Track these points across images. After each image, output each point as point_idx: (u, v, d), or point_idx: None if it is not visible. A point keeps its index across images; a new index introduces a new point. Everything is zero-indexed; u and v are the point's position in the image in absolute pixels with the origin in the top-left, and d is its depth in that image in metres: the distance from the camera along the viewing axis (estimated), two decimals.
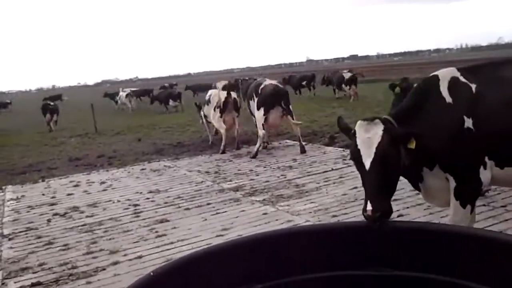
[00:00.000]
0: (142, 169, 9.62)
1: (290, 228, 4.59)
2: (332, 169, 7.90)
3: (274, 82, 10.01)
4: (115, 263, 4.82)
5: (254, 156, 9.54)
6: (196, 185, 7.79)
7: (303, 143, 9.77)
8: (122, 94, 30.09)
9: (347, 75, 23.48)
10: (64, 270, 4.76)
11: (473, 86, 3.34)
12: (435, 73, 3.55)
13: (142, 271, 4.46)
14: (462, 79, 3.40)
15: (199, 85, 40.32)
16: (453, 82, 3.39)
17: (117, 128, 18.19)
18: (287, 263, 2.70)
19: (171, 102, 25.24)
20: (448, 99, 3.34)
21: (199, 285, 2.45)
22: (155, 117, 22.40)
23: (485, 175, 3.31)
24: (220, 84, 21.05)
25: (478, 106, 3.27)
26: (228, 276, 2.59)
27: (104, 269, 4.70)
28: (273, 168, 8.49)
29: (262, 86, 9.62)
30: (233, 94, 10.93)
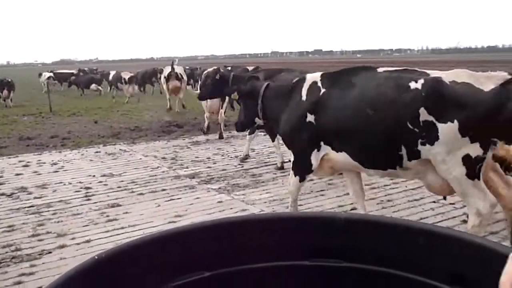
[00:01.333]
0: (97, 152, 9.37)
1: (241, 216, 4.55)
2: (290, 161, 7.90)
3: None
4: (62, 246, 4.66)
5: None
6: (151, 171, 7.65)
7: (262, 133, 9.74)
8: (44, 75, 29.27)
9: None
10: (7, 252, 4.57)
11: (322, 90, 4.32)
12: (307, 75, 4.64)
13: (89, 255, 4.26)
14: (318, 83, 4.39)
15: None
16: (312, 85, 4.43)
17: (73, 109, 17.65)
18: (236, 252, 2.67)
19: (93, 86, 25.53)
20: (304, 97, 4.43)
21: (146, 271, 2.39)
22: (109, 100, 21.88)
23: (316, 156, 4.43)
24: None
25: (320, 106, 4.27)
26: (176, 263, 2.54)
27: (50, 252, 4.54)
28: (231, 157, 8.44)
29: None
30: (177, 69, 15.00)
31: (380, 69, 4.17)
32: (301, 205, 5.69)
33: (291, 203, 4.98)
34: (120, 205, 5.90)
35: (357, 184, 4.70)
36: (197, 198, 6.12)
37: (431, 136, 3.65)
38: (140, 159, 8.59)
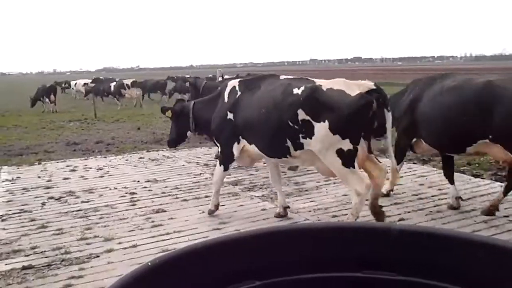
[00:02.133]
0: (140, 158, 9.52)
1: (293, 225, 4.50)
2: None
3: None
4: (109, 250, 4.72)
5: None
6: (194, 177, 7.70)
7: None
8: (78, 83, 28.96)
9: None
10: (57, 255, 4.66)
11: (239, 93, 5.32)
12: (230, 81, 5.65)
13: (136, 260, 4.39)
14: (236, 87, 5.38)
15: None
16: (232, 89, 5.41)
17: (116, 116, 18.07)
18: (287, 261, 2.62)
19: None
20: (226, 99, 5.43)
21: (198, 278, 2.37)
22: (154, 106, 22.27)
23: (237, 147, 5.37)
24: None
25: (236, 106, 5.27)
26: (227, 271, 2.51)
27: (97, 256, 4.61)
28: None
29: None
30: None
31: (281, 77, 5.23)
32: (347, 214, 5.57)
33: (214, 194, 5.71)
34: (165, 211, 5.94)
35: (275, 170, 5.70)
36: (241, 205, 6.10)
37: (309, 132, 4.63)
38: (183, 165, 8.66)
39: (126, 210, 6.07)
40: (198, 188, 7.01)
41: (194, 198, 6.48)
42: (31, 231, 5.38)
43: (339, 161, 4.54)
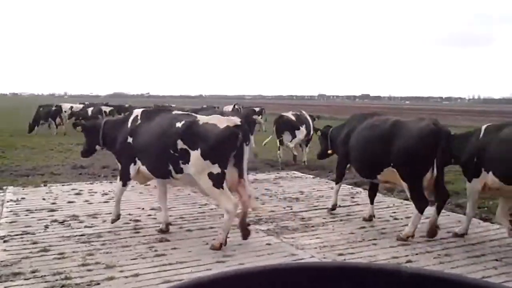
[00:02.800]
0: (146, 185, 9.46)
1: (297, 263, 4.40)
2: (340, 206, 7.72)
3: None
4: (111, 278, 4.63)
5: None
6: (199, 207, 7.63)
7: (311, 176, 9.61)
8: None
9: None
10: (57, 280, 4.58)
11: (139, 121, 6.14)
12: (135, 110, 6.54)
13: None
14: (138, 116, 6.19)
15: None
16: (135, 117, 6.23)
17: None
18: None
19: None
20: (129, 125, 6.20)
21: None
22: None
23: (133, 168, 6.16)
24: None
25: (135, 131, 6.09)
26: None
27: (98, 284, 4.52)
28: (279, 199, 8.32)
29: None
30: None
31: (174, 112, 6.32)
32: (353, 253, 5.49)
33: (115, 204, 6.48)
34: (169, 240, 5.86)
35: (162, 189, 6.41)
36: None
37: (186, 158, 5.54)
38: (189, 194, 8.61)
39: (130, 237, 6.00)
40: (203, 218, 6.94)
41: (199, 228, 6.41)
42: (32, 254, 5.31)
43: (210, 183, 5.45)
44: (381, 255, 5.44)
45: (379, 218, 7.04)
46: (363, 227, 6.50)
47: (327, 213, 7.26)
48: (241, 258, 5.23)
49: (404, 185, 6.08)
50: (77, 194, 8.49)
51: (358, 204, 7.94)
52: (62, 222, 6.62)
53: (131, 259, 5.19)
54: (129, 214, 7.07)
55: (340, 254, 5.43)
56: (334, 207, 7.32)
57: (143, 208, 7.48)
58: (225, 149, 5.46)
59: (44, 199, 8.02)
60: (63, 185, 9.33)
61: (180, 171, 5.68)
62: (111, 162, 12.55)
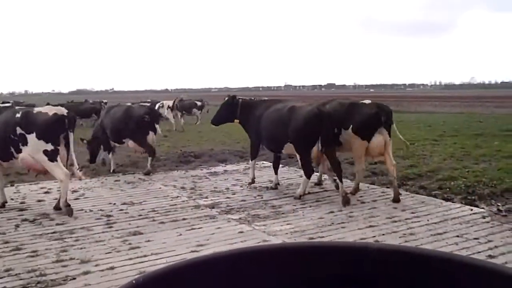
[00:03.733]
0: (116, 181, 9.47)
1: (269, 244, 4.56)
2: (309, 193, 7.93)
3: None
4: (86, 272, 4.68)
5: None
6: (171, 200, 7.70)
7: (280, 165, 9.77)
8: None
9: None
10: (32, 277, 4.60)
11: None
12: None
13: (114, 283, 4.36)
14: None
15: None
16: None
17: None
18: (266, 281, 2.67)
19: None
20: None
21: None
22: None
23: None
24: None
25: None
26: None
27: (74, 278, 4.56)
28: (250, 188, 8.46)
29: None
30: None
31: (16, 107, 7.66)
32: (323, 237, 5.68)
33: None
34: (142, 233, 5.93)
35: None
36: (218, 228, 6.13)
37: (25, 141, 6.74)
38: (160, 188, 8.65)
39: (103, 232, 6.03)
40: (175, 210, 7.01)
41: (172, 220, 6.48)
42: (5, 254, 5.29)
43: (46, 158, 6.70)
44: (350, 237, 5.65)
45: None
46: (332, 212, 6.71)
47: (296, 200, 7.44)
48: (215, 246, 5.35)
49: (298, 156, 7.58)
50: (46, 192, 8.43)
51: (326, 190, 8.16)
52: (32, 221, 6.58)
53: (106, 253, 5.24)
54: (101, 210, 7.09)
55: (311, 238, 5.61)
56: (253, 181, 8.50)
57: (114, 203, 7.49)
58: (54, 131, 6.82)
59: (12, 199, 7.91)
60: (30, 184, 9.22)
61: (20, 151, 6.82)
62: (78, 160, 12.44)
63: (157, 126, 10.49)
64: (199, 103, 26.30)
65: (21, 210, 7.22)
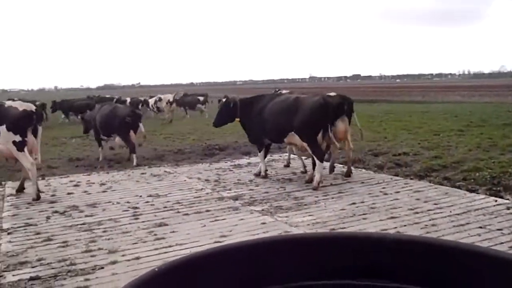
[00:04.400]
0: (142, 174, 9.68)
1: (287, 235, 4.65)
2: (331, 184, 7.98)
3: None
4: (114, 262, 4.86)
5: None
6: (195, 192, 7.86)
7: (303, 157, 9.84)
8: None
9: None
10: (62, 266, 4.80)
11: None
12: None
13: (140, 272, 4.47)
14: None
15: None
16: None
17: None
18: (283, 270, 2.76)
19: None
20: None
21: (204, 285, 2.51)
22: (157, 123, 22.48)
23: None
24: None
25: None
26: (228, 278, 2.65)
27: (102, 268, 4.74)
28: (273, 180, 8.56)
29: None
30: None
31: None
32: (344, 228, 5.73)
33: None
34: (167, 225, 6.09)
35: None
36: (241, 219, 6.24)
37: None
38: (185, 180, 8.83)
39: (129, 223, 6.21)
40: (199, 202, 7.16)
41: (196, 212, 6.63)
42: (36, 244, 5.53)
43: (15, 148, 7.42)
44: (371, 228, 5.68)
45: (370, 193, 7.30)
46: (354, 203, 6.75)
47: (319, 192, 7.50)
48: (238, 237, 5.46)
49: (305, 144, 7.88)
50: (75, 185, 8.68)
51: (349, 182, 8.19)
52: (63, 213, 6.83)
53: (132, 244, 5.42)
54: (127, 202, 7.28)
55: (332, 229, 5.68)
56: (262, 174, 8.79)
57: (140, 196, 7.69)
58: (23, 124, 7.48)
59: (43, 192, 8.20)
60: (61, 178, 9.52)
61: None
62: (106, 153, 12.78)
63: (140, 124, 11.41)
64: (201, 98, 26.81)
65: (52, 202, 7.49)
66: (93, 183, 8.85)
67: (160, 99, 23.44)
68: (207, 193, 7.74)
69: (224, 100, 9.62)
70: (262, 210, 6.65)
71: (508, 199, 6.82)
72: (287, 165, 9.94)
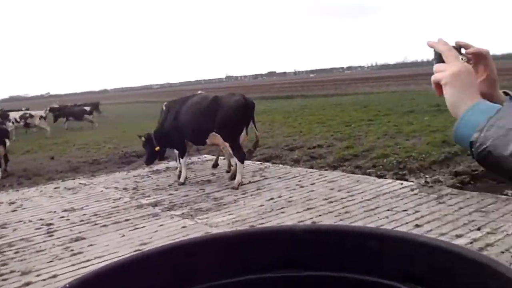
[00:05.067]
0: (56, 188, 9.28)
1: (204, 235, 4.69)
2: (250, 182, 8.12)
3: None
4: (28, 284, 4.64)
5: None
6: (113, 202, 7.67)
7: (221, 157, 9.92)
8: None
9: None
10: None
11: None
12: None
13: None
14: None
15: None
16: None
17: (26, 147, 17.28)
18: (206, 270, 2.82)
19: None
20: None
21: None
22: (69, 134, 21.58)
23: None
24: None
25: None
26: (146, 286, 2.66)
27: None
28: (192, 183, 8.56)
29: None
30: None
31: None
32: (263, 223, 5.88)
33: None
34: (84, 238, 5.91)
35: None
36: (161, 225, 6.20)
37: None
38: (101, 191, 8.58)
39: (43, 241, 5.95)
40: (117, 212, 7.00)
41: (114, 222, 6.48)
42: None
43: None
44: (288, 221, 5.87)
45: (287, 187, 7.52)
46: (272, 199, 6.93)
47: (238, 191, 7.62)
48: (158, 243, 5.41)
49: (227, 144, 7.87)
50: None
51: (267, 178, 8.38)
52: None
53: (47, 262, 5.20)
54: (40, 219, 6.96)
55: (251, 226, 5.79)
56: (180, 181, 8.51)
57: (54, 211, 7.37)
58: None
59: None
60: None
61: None
62: (15, 169, 12.08)
63: (7, 140, 11.55)
64: (88, 109, 26.30)
65: None
66: (2, 202, 8.34)
67: (31, 116, 22.53)
68: (125, 202, 7.59)
69: (142, 138, 9.22)
70: (182, 213, 6.64)
71: (412, 181, 7.34)
72: (215, 166, 9.83)
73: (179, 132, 8.40)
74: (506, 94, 1.08)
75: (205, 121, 7.89)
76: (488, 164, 0.91)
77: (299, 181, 7.93)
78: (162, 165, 10.71)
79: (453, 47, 1.03)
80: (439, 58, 1.02)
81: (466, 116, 0.93)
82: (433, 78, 1.01)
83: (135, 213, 6.89)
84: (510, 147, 0.84)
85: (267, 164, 9.71)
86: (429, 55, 1.06)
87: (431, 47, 1.04)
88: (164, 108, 9.12)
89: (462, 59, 1.00)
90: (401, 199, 6.38)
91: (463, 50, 1.06)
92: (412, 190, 6.74)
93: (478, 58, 1.07)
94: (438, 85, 1.00)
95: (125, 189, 8.59)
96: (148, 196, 7.85)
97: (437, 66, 1.01)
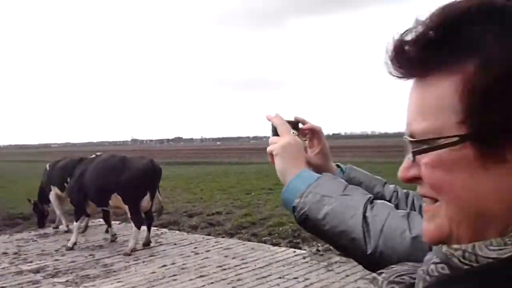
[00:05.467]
0: None
1: None
2: (144, 248, 7.85)
3: None
4: None
5: None
6: None
7: (116, 222, 9.56)
8: None
9: None
10: None
11: None
12: None
13: None
14: None
15: None
16: None
17: None
18: None
19: None
20: None
21: None
22: None
23: None
24: None
25: None
26: None
27: None
28: (82, 248, 8.09)
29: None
30: None
31: None
32: None
33: None
34: None
35: None
36: None
37: None
38: None
39: None
40: None
41: None
42: None
43: None
44: None
45: (182, 254, 7.37)
46: (165, 266, 6.74)
47: (130, 257, 7.32)
48: None
49: (126, 207, 7.66)
50: None
51: (162, 244, 8.17)
52: None
53: None
54: None
55: None
56: (69, 246, 7.98)
57: None
58: None
59: None
60: None
61: None
62: None
63: None
64: None
65: None
66: None
67: None
68: (3, 268, 6.95)
69: (32, 202, 9.55)
70: (67, 281, 6.22)
71: (305, 249, 7.54)
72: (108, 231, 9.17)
73: (82, 191, 8.06)
74: (338, 166, 1.22)
75: (108, 181, 7.65)
76: (308, 227, 1.00)
77: (195, 247, 7.82)
78: (51, 229, 10.05)
79: (291, 121, 1.15)
80: (275, 131, 1.12)
81: (291, 184, 1.03)
82: (268, 149, 1.11)
83: (13, 280, 6.34)
84: (323, 211, 0.95)
85: (163, 230, 9.49)
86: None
87: (269, 120, 1.14)
88: (47, 168, 9.25)
89: (293, 133, 1.11)
90: (293, 266, 6.51)
91: (300, 125, 1.19)
92: (304, 258, 6.91)
93: (313, 133, 1.21)
94: (271, 155, 1.10)
95: (4, 253, 7.88)
96: (30, 262, 7.26)
97: (271, 139, 1.12)
